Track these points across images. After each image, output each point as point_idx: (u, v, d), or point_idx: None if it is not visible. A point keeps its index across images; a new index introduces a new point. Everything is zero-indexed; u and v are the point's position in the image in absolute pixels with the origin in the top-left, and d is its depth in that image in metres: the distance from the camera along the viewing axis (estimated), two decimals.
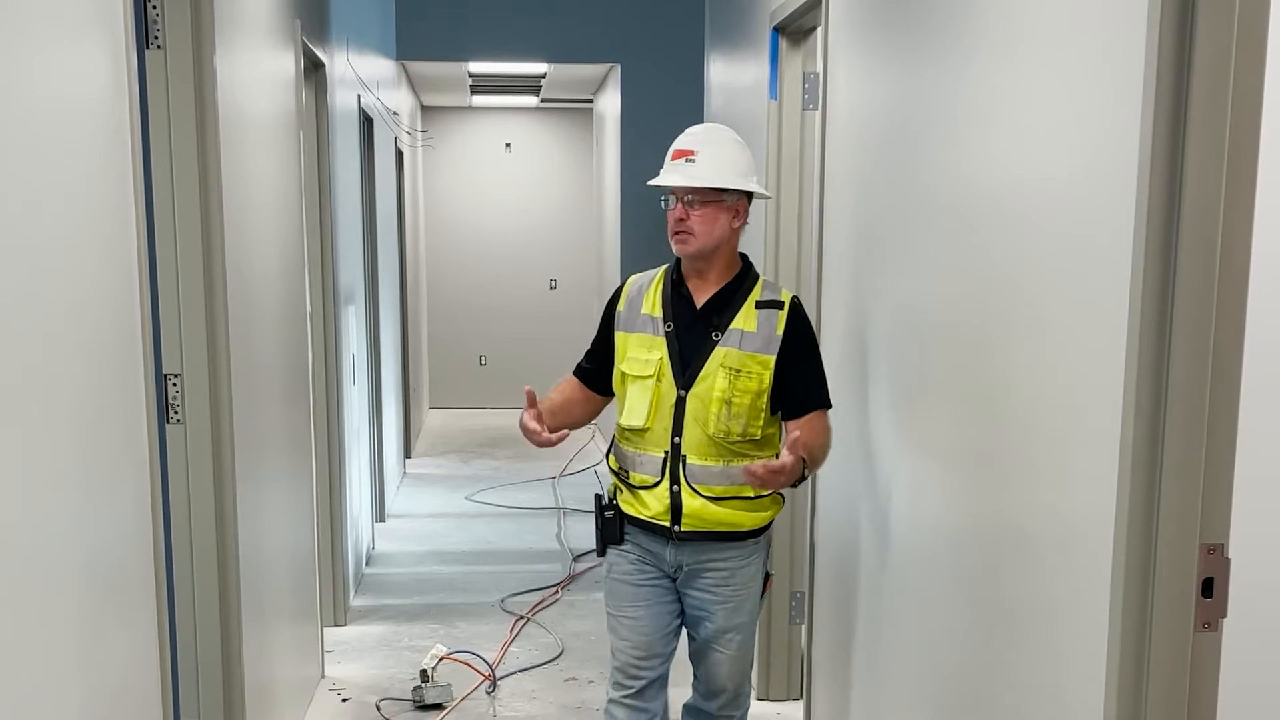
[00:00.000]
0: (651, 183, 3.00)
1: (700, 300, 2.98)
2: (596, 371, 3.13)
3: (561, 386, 3.20)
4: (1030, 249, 2.14)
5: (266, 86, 3.67)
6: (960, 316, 2.48)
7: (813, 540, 3.74)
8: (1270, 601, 2.25)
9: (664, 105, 7.40)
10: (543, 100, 11.00)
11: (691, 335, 2.94)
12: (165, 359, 2.83)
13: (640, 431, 2.97)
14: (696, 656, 3.13)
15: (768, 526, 3.06)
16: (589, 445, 9.21)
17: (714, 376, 2.89)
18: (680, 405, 2.91)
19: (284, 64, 3.98)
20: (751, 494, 2.93)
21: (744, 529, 2.98)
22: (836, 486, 3.46)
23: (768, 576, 3.12)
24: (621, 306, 3.08)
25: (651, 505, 2.97)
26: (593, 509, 3.13)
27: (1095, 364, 1.90)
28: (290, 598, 4.02)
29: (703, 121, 5.83)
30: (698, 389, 2.90)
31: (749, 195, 2.98)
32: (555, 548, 6.63)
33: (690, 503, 2.93)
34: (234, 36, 3.16)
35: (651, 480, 2.96)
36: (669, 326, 2.96)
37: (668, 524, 2.95)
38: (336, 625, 5.17)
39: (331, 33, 5.15)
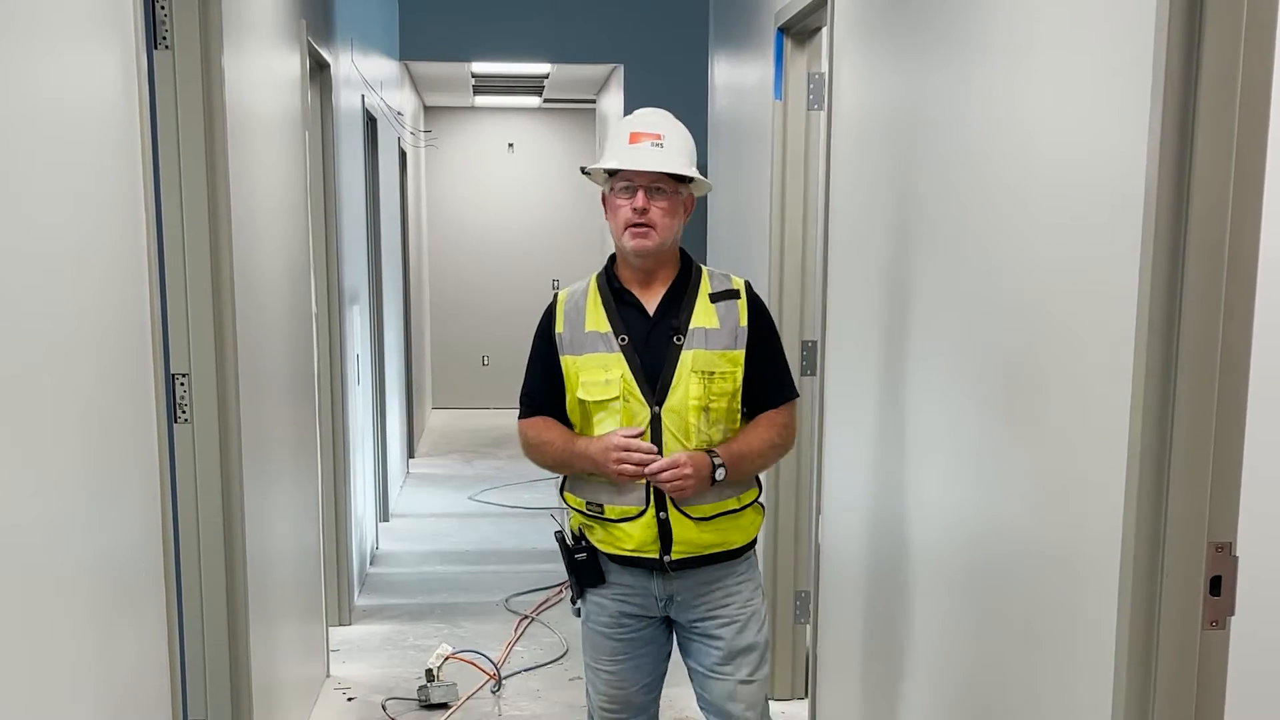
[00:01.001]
0: (616, 164, 2.66)
1: (650, 304, 2.71)
2: (556, 404, 2.75)
3: (552, 431, 2.77)
4: (1038, 249, 2.15)
5: (273, 87, 3.68)
6: (966, 315, 2.49)
7: (817, 540, 3.74)
8: (1278, 599, 2.25)
9: (667, 106, 7.36)
10: (545, 100, 11.00)
11: (650, 345, 2.68)
12: (173, 359, 2.84)
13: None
14: (706, 691, 2.80)
15: (755, 540, 2.83)
16: None
17: (686, 384, 2.65)
18: (656, 423, 2.65)
19: (290, 64, 3.99)
20: (737, 505, 2.73)
21: (737, 545, 2.76)
22: (842, 486, 3.47)
23: None
24: (561, 328, 2.74)
25: (635, 536, 2.69)
26: (558, 550, 2.83)
27: (1103, 363, 1.90)
28: (296, 597, 4.03)
29: (707, 125, 5.84)
30: (672, 401, 2.65)
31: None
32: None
33: (681, 529, 2.67)
34: (241, 37, 3.17)
35: (635, 510, 2.68)
36: (623, 340, 2.68)
37: (656, 555, 2.69)
38: (341, 624, 5.18)
39: (336, 33, 5.15)
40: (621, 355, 2.67)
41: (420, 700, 4.35)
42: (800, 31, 4.05)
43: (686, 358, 2.66)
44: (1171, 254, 1.72)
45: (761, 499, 2.83)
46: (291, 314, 3.95)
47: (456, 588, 5.89)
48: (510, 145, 11.84)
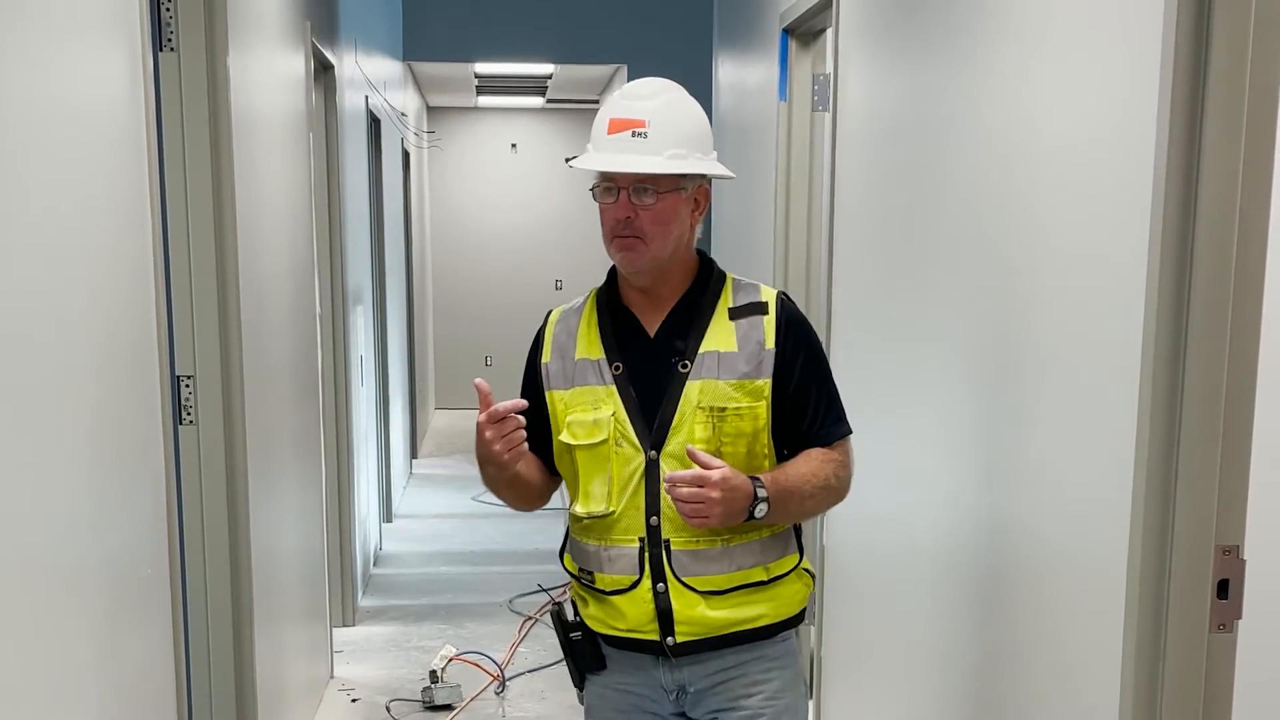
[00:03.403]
0: (581, 165, 2.14)
1: (653, 323, 2.18)
2: (540, 445, 2.23)
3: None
4: (1045, 249, 2.14)
5: (277, 88, 3.68)
6: (975, 317, 2.48)
7: (822, 540, 3.74)
8: None
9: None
10: (549, 101, 11.00)
11: (649, 373, 2.15)
12: (178, 360, 2.83)
13: (603, 518, 2.16)
14: None
15: (801, 616, 2.24)
16: None
17: (690, 424, 2.10)
18: (652, 472, 2.11)
19: (294, 65, 3.99)
20: (764, 576, 2.16)
21: (765, 623, 2.17)
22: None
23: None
24: (548, 357, 2.23)
25: (630, 614, 2.15)
26: (553, 628, 2.32)
27: (1111, 366, 1.90)
28: (300, 598, 4.03)
29: (711, 126, 5.83)
30: (672, 445, 2.11)
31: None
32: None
33: (684, 605, 2.13)
34: (246, 38, 3.17)
35: (628, 580, 2.15)
36: (617, 368, 2.16)
37: (656, 637, 2.14)
38: (345, 626, 5.18)
39: (340, 34, 5.16)
40: (615, 388, 2.15)
41: (424, 701, 4.35)
42: (805, 33, 4.05)
43: (692, 389, 2.11)
44: (1179, 255, 1.72)
45: (807, 564, 2.27)
46: (296, 315, 3.95)
47: (460, 589, 5.89)
48: (513, 146, 11.84)
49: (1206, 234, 1.70)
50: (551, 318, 2.29)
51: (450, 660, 4.51)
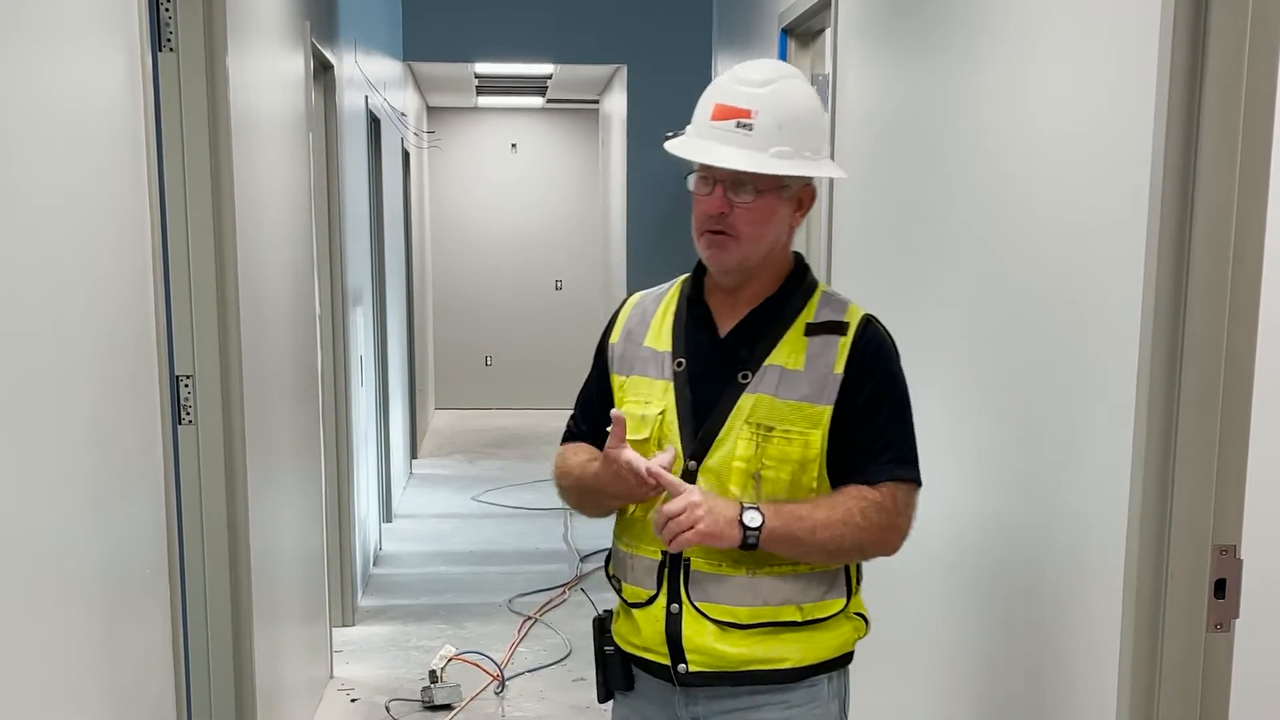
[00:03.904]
0: (676, 152, 1.95)
1: (728, 323, 2.02)
2: (597, 431, 2.06)
3: (575, 456, 2.13)
4: (1042, 249, 2.15)
5: (277, 88, 3.68)
6: (972, 319, 2.49)
7: None
8: None
9: (670, 106, 7.38)
10: (548, 101, 11.01)
11: (710, 377, 1.99)
12: (177, 360, 2.84)
13: (633, 522, 2.04)
14: None
15: (842, 661, 2.04)
16: None
17: (734, 439, 1.93)
18: (689, 483, 1.93)
19: (294, 65, 3.99)
20: (799, 617, 1.96)
21: (790, 666, 1.97)
22: None
23: None
24: (616, 338, 2.11)
25: (645, 631, 2.01)
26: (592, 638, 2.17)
27: (1108, 367, 1.90)
28: (300, 598, 4.03)
29: None
30: (713, 459, 1.94)
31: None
32: (562, 548, 6.63)
33: (694, 631, 1.95)
34: (245, 38, 3.17)
35: (645, 594, 2.01)
36: (679, 365, 2.01)
37: (666, 661, 1.98)
38: (345, 625, 5.18)
39: (340, 34, 5.16)
40: (670, 385, 2.01)
41: (424, 701, 4.35)
42: (804, 33, 4.05)
43: (745, 402, 1.94)
44: (1176, 256, 1.72)
45: (861, 607, 2.08)
46: (295, 315, 3.95)
47: (460, 589, 5.89)
48: (513, 146, 11.84)
49: (1203, 234, 1.71)
50: (630, 300, 2.18)
51: (450, 660, 4.51)
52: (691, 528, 1.85)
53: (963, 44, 2.53)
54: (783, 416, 1.93)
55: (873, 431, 1.95)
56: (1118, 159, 1.87)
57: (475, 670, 4.63)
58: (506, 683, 4.60)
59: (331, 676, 4.68)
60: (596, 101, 10.89)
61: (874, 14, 3.19)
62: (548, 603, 5.60)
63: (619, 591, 2.08)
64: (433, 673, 4.42)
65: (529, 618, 5.37)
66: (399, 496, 7.68)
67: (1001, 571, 2.33)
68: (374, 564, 6.24)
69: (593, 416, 2.12)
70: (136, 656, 2.20)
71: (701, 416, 1.97)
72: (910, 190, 2.88)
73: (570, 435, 2.19)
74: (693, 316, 2.05)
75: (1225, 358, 1.72)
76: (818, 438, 1.93)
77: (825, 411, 1.93)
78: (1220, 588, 1.77)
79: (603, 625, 2.12)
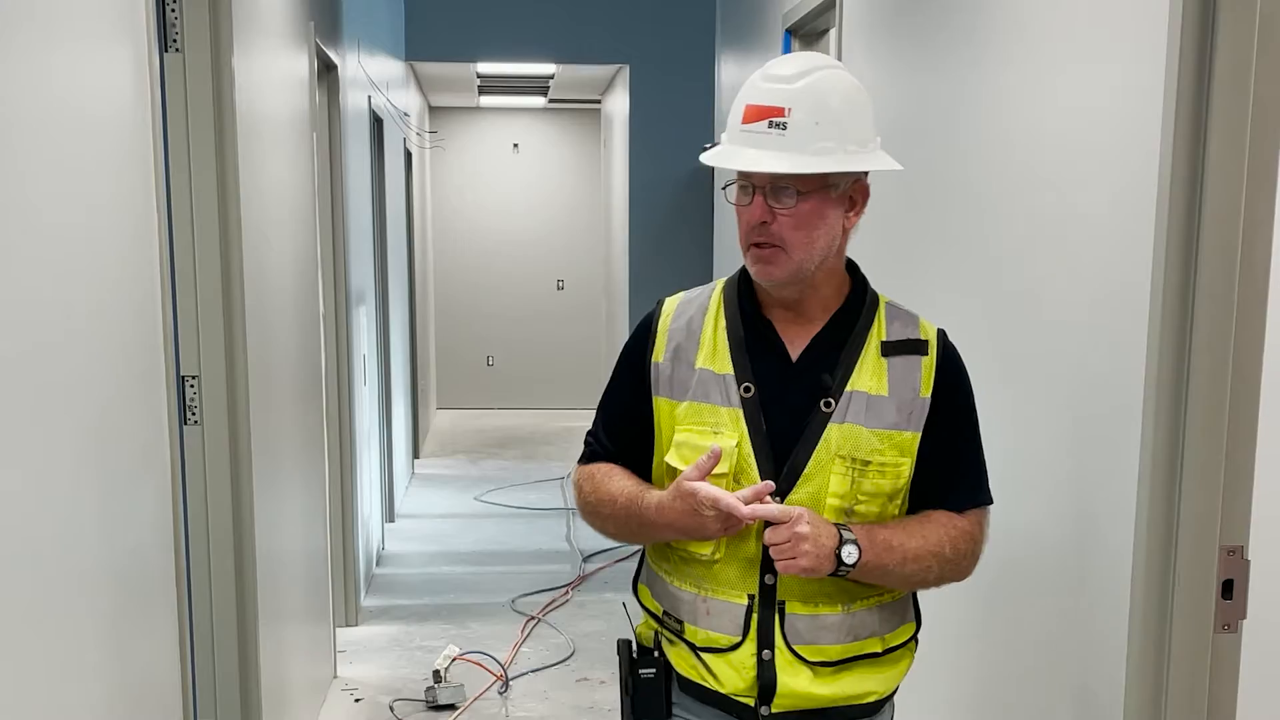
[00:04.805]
0: (708, 161, 1.85)
1: (797, 344, 1.87)
2: (633, 455, 1.94)
3: (616, 481, 1.93)
4: (1049, 250, 2.15)
5: (281, 88, 3.68)
6: (980, 320, 2.49)
7: None
8: None
9: (673, 106, 7.41)
10: (550, 101, 11.01)
11: (785, 404, 1.84)
12: (183, 360, 2.84)
13: (705, 564, 1.86)
14: None
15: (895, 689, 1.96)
16: None
17: (826, 473, 1.80)
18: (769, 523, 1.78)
19: (298, 66, 4.00)
20: (880, 647, 1.88)
21: (874, 699, 1.89)
22: None
23: None
24: (660, 356, 1.91)
25: (726, 677, 1.85)
26: (618, 660, 2.00)
27: (1116, 368, 1.90)
28: (304, 598, 4.03)
29: (714, 126, 5.81)
30: (800, 494, 1.81)
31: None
32: (565, 548, 6.63)
33: (790, 676, 1.83)
34: (251, 39, 3.17)
35: (727, 641, 1.85)
36: (747, 390, 1.84)
37: (750, 703, 1.85)
38: (348, 625, 5.18)
39: (343, 34, 5.16)
40: (741, 414, 1.83)
41: (428, 701, 4.36)
42: (808, 33, 4.06)
43: (833, 434, 1.81)
44: (1184, 256, 1.72)
45: (919, 634, 1.99)
46: (300, 315, 3.95)
47: (463, 589, 5.89)
48: (515, 145, 11.84)
49: (1211, 235, 1.71)
50: (667, 308, 1.94)
51: (453, 660, 4.51)
52: (794, 559, 1.73)
53: (967, 44, 2.53)
54: (874, 448, 1.81)
55: (957, 456, 1.86)
56: (1125, 160, 1.87)
57: (479, 670, 4.63)
58: (510, 683, 4.60)
59: (335, 676, 4.68)
60: (599, 101, 10.89)
61: (878, 14, 3.19)
62: (551, 603, 5.60)
63: (677, 634, 1.90)
64: (436, 673, 4.42)
65: (532, 618, 5.38)
66: (401, 496, 7.68)
67: (1007, 572, 2.33)
68: (377, 564, 6.25)
69: (624, 437, 1.95)
70: (143, 656, 2.20)
71: (781, 449, 1.82)
72: (914, 191, 2.88)
73: (594, 454, 2.00)
74: (754, 334, 1.88)
75: (1233, 358, 1.73)
76: (907, 468, 1.83)
77: (914, 439, 1.82)
78: (1228, 588, 1.77)
79: (631, 651, 1.97)
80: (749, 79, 1.84)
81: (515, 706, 4.41)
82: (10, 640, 1.59)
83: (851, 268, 1.93)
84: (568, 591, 5.79)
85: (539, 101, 11.08)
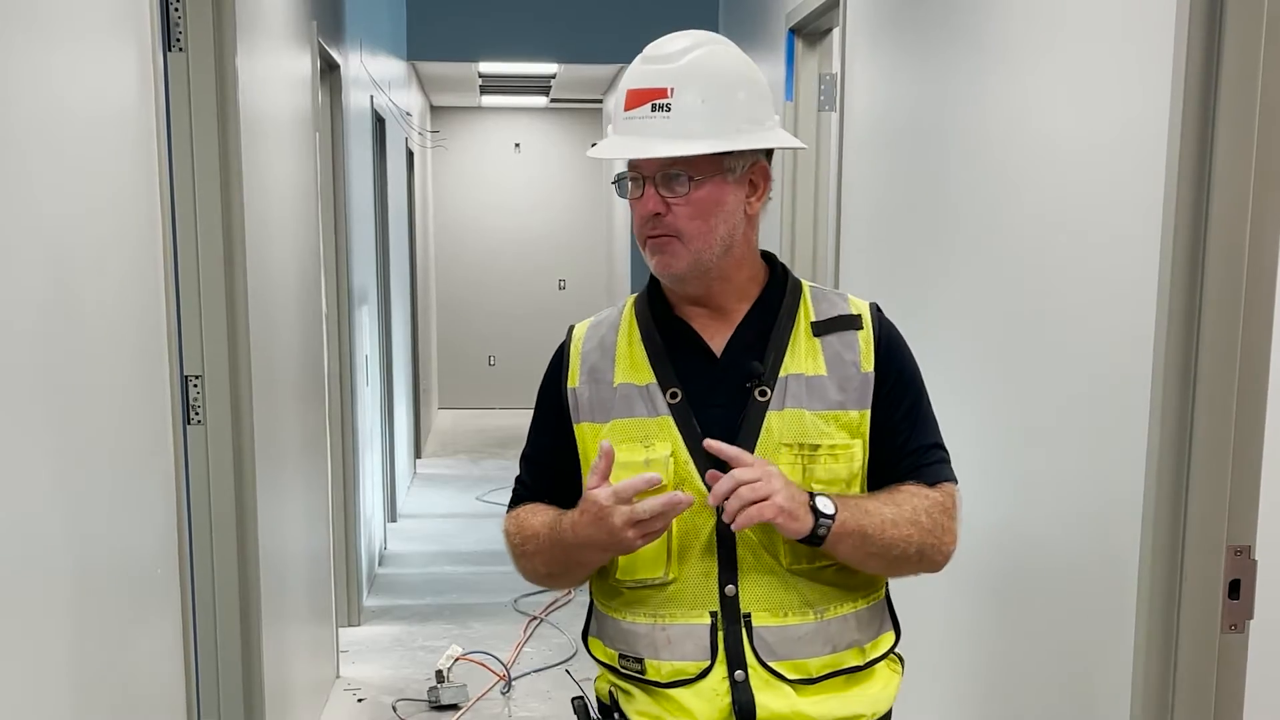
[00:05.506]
0: (596, 154, 1.80)
1: (718, 340, 1.76)
2: (562, 494, 1.79)
3: (536, 517, 1.81)
4: (1055, 251, 2.15)
5: (284, 88, 3.68)
6: (984, 322, 2.48)
7: None
8: None
9: None
10: (552, 100, 11.01)
11: (716, 403, 1.72)
12: (187, 360, 2.84)
13: (658, 588, 1.73)
14: None
15: (889, 716, 1.81)
16: None
17: (774, 464, 1.66)
18: (724, 530, 1.66)
19: (301, 65, 3.99)
20: (859, 660, 1.74)
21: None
22: None
23: None
24: (576, 381, 1.80)
25: (698, 712, 1.70)
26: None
27: (1122, 368, 1.90)
28: (306, 598, 4.03)
29: None
30: None
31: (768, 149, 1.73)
32: None
33: (771, 697, 1.68)
34: (254, 38, 3.17)
35: (694, 668, 1.70)
36: (674, 395, 1.72)
37: None
38: (351, 625, 5.18)
39: (346, 34, 5.16)
40: (672, 420, 1.71)
41: (430, 701, 4.36)
42: (811, 32, 4.05)
43: (774, 421, 1.70)
44: (1191, 258, 1.72)
45: (899, 649, 1.84)
46: (302, 315, 3.95)
47: (465, 588, 5.89)
48: (517, 145, 11.85)
49: (1218, 235, 1.71)
50: (576, 333, 1.85)
51: (456, 660, 4.51)
52: (768, 498, 1.56)
53: (971, 43, 2.53)
54: (821, 431, 1.69)
55: (910, 431, 1.75)
56: (1131, 161, 1.87)
57: (481, 670, 4.63)
58: (512, 682, 4.60)
59: (338, 676, 4.68)
60: (600, 101, 10.89)
61: (883, 13, 3.19)
62: (553, 603, 5.60)
63: (638, 675, 1.74)
64: (439, 672, 4.42)
65: (534, 617, 5.38)
66: (403, 496, 7.69)
67: (1014, 571, 2.33)
68: (379, 564, 6.25)
69: (551, 473, 1.83)
70: (146, 655, 2.20)
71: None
72: (919, 191, 2.88)
73: (520, 499, 1.88)
74: (672, 337, 1.77)
75: (1240, 357, 1.73)
76: (859, 449, 1.72)
77: (863, 417, 1.71)
78: (1235, 588, 1.77)
79: (586, 709, 1.83)
80: (629, 70, 1.73)
81: (518, 706, 4.41)
82: (13, 639, 1.59)
83: (769, 257, 1.82)
84: (570, 591, 5.78)
85: (541, 101, 11.08)
